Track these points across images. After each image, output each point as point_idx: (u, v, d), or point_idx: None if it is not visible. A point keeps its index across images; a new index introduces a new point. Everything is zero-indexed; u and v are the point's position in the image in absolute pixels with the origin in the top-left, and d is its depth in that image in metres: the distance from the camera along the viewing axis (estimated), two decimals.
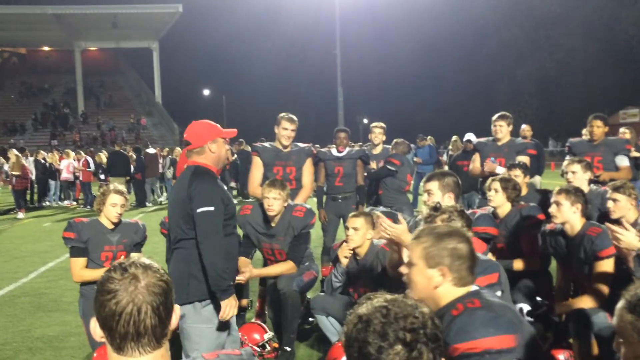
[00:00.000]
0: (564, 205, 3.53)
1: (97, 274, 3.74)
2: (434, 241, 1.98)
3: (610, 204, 3.73)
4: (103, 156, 15.12)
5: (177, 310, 1.39)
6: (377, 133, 6.60)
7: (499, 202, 4.20)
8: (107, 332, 1.31)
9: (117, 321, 1.28)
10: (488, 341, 1.79)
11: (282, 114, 5.21)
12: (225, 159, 3.16)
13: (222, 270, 2.87)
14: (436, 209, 2.92)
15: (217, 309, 2.94)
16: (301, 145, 5.40)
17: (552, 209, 3.60)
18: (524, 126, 9.02)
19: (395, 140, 6.73)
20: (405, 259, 2.14)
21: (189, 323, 2.96)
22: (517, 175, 4.72)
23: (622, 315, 1.42)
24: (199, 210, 2.87)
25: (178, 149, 17.80)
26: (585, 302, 3.36)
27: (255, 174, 5.19)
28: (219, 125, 3.13)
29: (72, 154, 16.75)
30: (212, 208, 2.88)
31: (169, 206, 3.20)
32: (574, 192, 3.55)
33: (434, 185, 3.54)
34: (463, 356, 1.80)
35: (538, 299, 3.83)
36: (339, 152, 6.06)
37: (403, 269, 2.07)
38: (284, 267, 4.22)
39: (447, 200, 3.48)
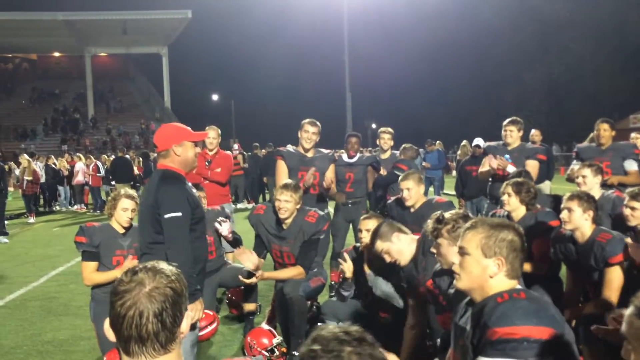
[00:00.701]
0: (575, 211, 3.52)
1: (107, 275, 3.78)
2: (491, 232, 2.02)
3: (627, 211, 3.71)
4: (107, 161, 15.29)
5: (188, 316, 1.40)
6: (386, 139, 6.60)
7: (513, 206, 4.17)
8: (115, 333, 1.35)
9: (121, 323, 1.32)
10: (528, 329, 1.79)
11: (305, 121, 5.35)
12: (194, 162, 3.11)
13: (189, 275, 2.88)
14: (440, 221, 2.92)
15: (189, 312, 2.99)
16: (324, 151, 5.49)
17: (564, 215, 3.58)
18: (533, 131, 8.99)
19: (403, 145, 6.72)
20: (453, 252, 2.17)
21: None
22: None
23: (632, 321, 1.41)
24: (166, 216, 2.88)
25: None
26: (595, 308, 3.34)
27: (282, 178, 5.20)
28: (188, 129, 3.11)
29: (83, 158, 16.91)
30: (179, 214, 2.89)
31: (139, 210, 3.21)
32: (586, 199, 3.53)
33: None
34: (501, 341, 1.81)
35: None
36: (350, 157, 6.08)
37: (453, 259, 2.10)
38: (293, 272, 4.23)
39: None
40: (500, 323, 1.83)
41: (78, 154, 17.92)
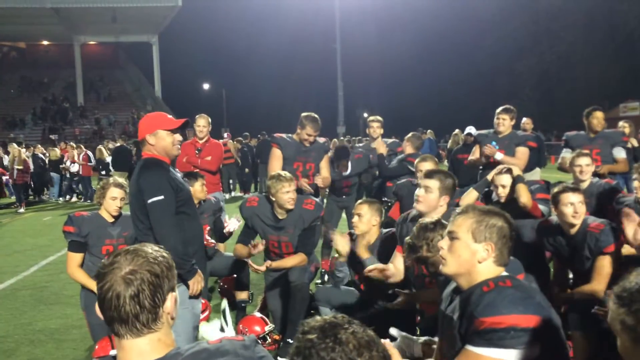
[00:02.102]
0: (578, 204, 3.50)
1: (87, 282, 3.79)
2: (482, 217, 2.04)
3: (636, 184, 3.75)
4: (104, 150, 15.13)
5: (173, 296, 1.44)
6: (375, 127, 6.58)
7: (508, 196, 4.16)
8: (102, 314, 1.41)
9: (103, 305, 1.39)
10: (515, 318, 1.80)
11: (307, 118, 5.11)
12: (173, 150, 3.12)
13: (182, 253, 2.99)
14: (435, 224, 2.92)
15: (185, 290, 3.05)
16: (320, 140, 5.34)
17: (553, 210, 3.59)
18: (524, 119, 9.01)
19: (411, 133, 6.57)
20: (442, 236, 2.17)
21: None
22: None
23: (611, 308, 1.43)
24: (149, 201, 2.97)
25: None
26: (586, 293, 3.35)
27: (276, 166, 5.11)
28: (166, 117, 3.14)
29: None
30: (161, 197, 2.96)
31: (129, 200, 3.26)
32: (580, 192, 3.52)
33: (434, 184, 3.49)
34: (488, 331, 1.81)
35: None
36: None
37: (442, 244, 2.10)
38: (297, 260, 4.23)
39: (442, 203, 3.49)
40: (487, 312, 1.83)
41: (71, 143, 17.75)
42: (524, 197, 3.96)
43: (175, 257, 2.84)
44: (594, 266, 3.37)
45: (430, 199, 3.45)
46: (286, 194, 4.12)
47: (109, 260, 1.41)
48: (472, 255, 2.00)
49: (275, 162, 5.18)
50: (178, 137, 3.13)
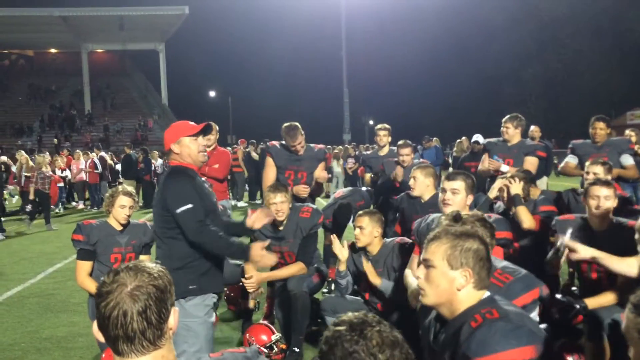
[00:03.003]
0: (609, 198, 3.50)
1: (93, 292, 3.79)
2: (456, 241, 1.94)
3: None
4: (108, 158, 15.23)
5: (175, 311, 1.41)
6: (382, 135, 6.57)
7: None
8: (103, 334, 1.36)
9: (107, 324, 1.33)
10: (510, 354, 1.75)
11: (285, 129, 5.05)
12: (200, 156, 3.09)
13: (229, 248, 2.97)
14: (456, 219, 2.89)
15: (201, 304, 3.02)
16: (314, 147, 5.29)
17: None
18: (532, 127, 8.96)
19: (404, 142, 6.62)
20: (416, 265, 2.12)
21: None
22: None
23: (628, 316, 1.43)
24: (178, 210, 2.91)
25: None
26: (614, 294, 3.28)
27: (270, 175, 5.14)
28: (187, 124, 3.14)
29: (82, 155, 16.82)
30: (190, 205, 2.91)
31: (153, 206, 3.23)
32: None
33: (460, 185, 3.51)
34: None
35: (558, 296, 3.75)
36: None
37: (418, 272, 2.02)
38: (294, 269, 4.23)
39: (469, 202, 3.49)
40: (480, 352, 1.77)
41: (77, 151, 17.81)
42: (526, 222, 4.07)
43: (226, 254, 2.91)
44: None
45: (457, 200, 3.47)
46: (272, 205, 4.14)
47: (110, 278, 1.36)
48: (450, 284, 1.92)
49: (269, 171, 5.18)
50: (202, 141, 3.10)
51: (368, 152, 6.99)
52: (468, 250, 1.92)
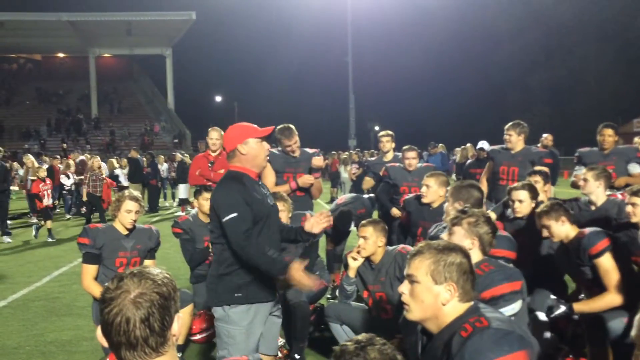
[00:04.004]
0: (552, 226, 3.50)
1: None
2: (439, 256, 1.94)
3: (629, 208, 3.69)
4: (115, 162, 15.25)
5: (179, 318, 1.41)
6: (385, 142, 6.59)
7: (526, 211, 4.14)
8: (106, 340, 1.36)
9: (110, 331, 1.33)
10: None
11: (279, 130, 5.03)
12: (263, 160, 3.08)
13: (272, 266, 2.86)
14: (464, 211, 2.91)
15: (245, 313, 2.98)
16: (309, 151, 5.30)
17: (544, 233, 3.56)
18: (544, 135, 8.88)
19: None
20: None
21: (219, 323, 3.02)
22: (537, 181, 4.65)
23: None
24: (224, 219, 2.88)
25: (178, 154, 17.92)
26: (605, 300, 3.29)
27: (270, 179, 5.15)
28: (254, 126, 3.08)
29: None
30: (235, 214, 2.86)
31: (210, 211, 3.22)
32: (553, 210, 3.49)
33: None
34: None
35: (552, 297, 3.77)
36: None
37: (402, 288, 2.00)
38: None
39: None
40: None
41: (86, 154, 17.85)
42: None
43: (264, 268, 2.84)
44: (599, 273, 3.30)
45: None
46: None
47: (114, 284, 1.36)
48: (435, 299, 1.92)
49: (268, 175, 5.14)
50: (267, 145, 3.07)
51: (373, 159, 6.99)
52: (451, 265, 1.93)
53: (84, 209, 11.51)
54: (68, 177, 14.62)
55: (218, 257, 3.01)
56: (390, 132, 6.65)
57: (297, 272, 2.84)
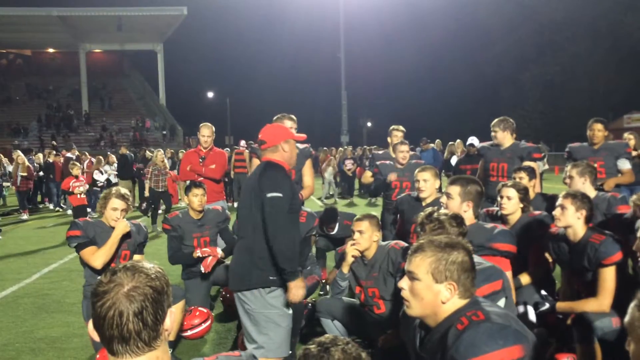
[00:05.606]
0: (568, 209, 3.46)
1: (109, 248, 3.80)
2: (441, 254, 1.93)
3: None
4: (102, 159, 15.17)
5: (171, 313, 1.40)
6: (397, 135, 6.44)
7: (512, 209, 4.12)
8: (98, 334, 1.35)
9: (102, 324, 1.32)
10: (499, 354, 1.76)
11: (279, 116, 4.97)
12: (295, 161, 3.36)
13: (290, 252, 3.00)
14: (429, 217, 2.94)
15: (281, 296, 3.09)
16: (300, 146, 5.27)
17: (556, 212, 3.53)
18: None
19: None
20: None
21: (254, 309, 3.08)
22: (522, 177, 4.67)
23: (633, 312, 1.43)
24: (268, 195, 3.00)
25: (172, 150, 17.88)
26: (589, 306, 3.33)
27: (310, 180, 5.07)
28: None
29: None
30: (280, 194, 3.00)
31: (240, 199, 3.32)
32: (580, 198, 3.45)
33: (454, 190, 3.53)
34: None
35: (543, 292, 3.78)
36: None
37: (402, 284, 2.00)
38: None
39: (465, 208, 3.48)
40: (469, 354, 1.78)
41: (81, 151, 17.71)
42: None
43: (280, 254, 2.94)
44: (597, 280, 3.33)
45: (451, 205, 3.51)
46: None
47: (107, 277, 1.35)
48: (435, 296, 1.92)
49: (308, 173, 5.08)
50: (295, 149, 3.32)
51: (380, 152, 6.84)
52: (453, 263, 1.92)
53: (144, 205, 11.20)
54: (101, 172, 14.46)
55: (252, 241, 3.08)
56: (402, 128, 6.53)
57: (299, 289, 3.03)
